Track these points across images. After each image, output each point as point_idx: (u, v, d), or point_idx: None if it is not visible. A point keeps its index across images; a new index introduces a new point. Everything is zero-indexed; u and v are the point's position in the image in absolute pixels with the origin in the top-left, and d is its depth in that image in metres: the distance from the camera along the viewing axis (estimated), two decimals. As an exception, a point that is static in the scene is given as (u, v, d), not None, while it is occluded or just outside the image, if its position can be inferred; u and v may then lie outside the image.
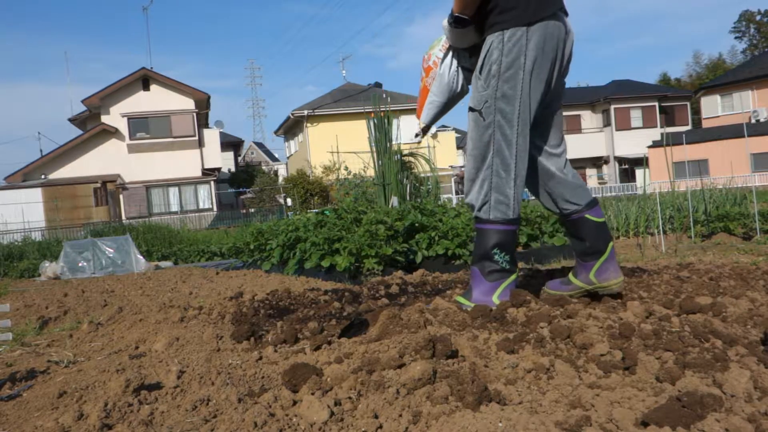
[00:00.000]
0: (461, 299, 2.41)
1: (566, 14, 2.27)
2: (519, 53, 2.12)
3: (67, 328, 3.43)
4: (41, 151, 36.61)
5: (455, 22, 2.23)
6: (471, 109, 2.27)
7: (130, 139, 28.64)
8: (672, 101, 38.68)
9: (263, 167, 43.61)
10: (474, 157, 2.28)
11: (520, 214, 2.41)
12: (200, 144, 29.74)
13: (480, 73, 2.22)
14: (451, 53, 2.43)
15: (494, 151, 2.22)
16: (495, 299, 2.35)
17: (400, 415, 1.38)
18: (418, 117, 2.56)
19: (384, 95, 16.15)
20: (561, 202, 2.42)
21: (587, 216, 2.40)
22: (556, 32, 2.17)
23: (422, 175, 8.38)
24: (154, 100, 28.92)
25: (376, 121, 7.28)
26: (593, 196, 2.46)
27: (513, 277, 2.36)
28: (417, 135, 2.67)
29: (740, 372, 1.39)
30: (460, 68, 2.43)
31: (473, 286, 2.38)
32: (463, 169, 15.81)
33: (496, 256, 2.28)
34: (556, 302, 2.40)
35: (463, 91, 2.49)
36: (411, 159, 8.22)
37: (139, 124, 28.83)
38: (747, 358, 1.57)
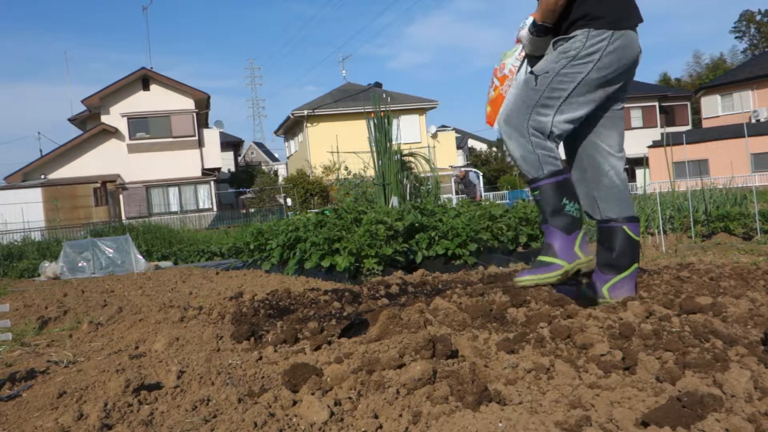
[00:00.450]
0: (544, 257, 2.37)
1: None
2: (597, 50, 2.26)
3: (67, 328, 3.43)
4: (41, 151, 36.59)
5: (537, 30, 2.36)
6: (531, 72, 2.37)
7: (130, 139, 28.63)
8: (672, 101, 38.67)
9: (263, 167, 43.62)
10: (513, 115, 2.37)
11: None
12: (200, 144, 29.74)
13: (554, 47, 2.34)
14: (526, 63, 2.52)
15: (533, 116, 2.32)
16: (577, 251, 2.36)
17: (400, 415, 1.38)
18: (491, 124, 2.62)
19: (384, 95, 16.13)
20: (604, 207, 2.45)
21: (625, 228, 2.43)
22: (632, 44, 2.32)
23: (422, 175, 8.38)
24: (154, 100, 28.92)
25: (376, 121, 7.28)
26: (634, 212, 2.50)
27: (585, 226, 2.41)
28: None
29: (740, 372, 1.38)
30: None
31: (552, 242, 2.36)
32: (462, 169, 15.80)
33: (567, 207, 2.33)
34: (556, 302, 2.40)
35: None
36: (411, 159, 8.22)
37: (139, 124, 28.82)
38: (747, 358, 1.57)
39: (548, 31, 2.37)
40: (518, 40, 2.53)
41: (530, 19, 2.44)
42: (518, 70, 2.54)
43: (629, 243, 2.43)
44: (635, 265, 2.43)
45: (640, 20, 2.37)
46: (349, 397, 1.52)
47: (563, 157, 2.49)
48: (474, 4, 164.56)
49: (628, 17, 2.31)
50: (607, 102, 2.40)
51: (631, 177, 34.34)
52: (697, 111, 39.82)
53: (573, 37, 2.29)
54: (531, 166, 2.35)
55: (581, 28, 2.29)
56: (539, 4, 2.34)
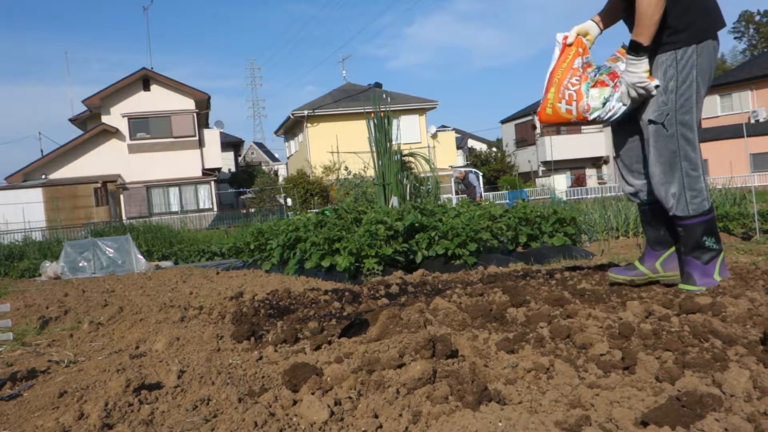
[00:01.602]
0: (686, 286, 2.54)
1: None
2: (691, 68, 2.41)
3: (68, 327, 3.43)
4: (42, 151, 36.57)
5: (635, 50, 2.40)
6: (652, 122, 2.47)
7: (131, 139, 28.62)
8: (672, 101, 38.62)
9: (263, 167, 43.60)
10: (662, 164, 2.49)
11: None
12: (200, 144, 29.74)
13: (656, 87, 2.43)
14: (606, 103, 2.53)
15: (681, 156, 2.45)
16: (716, 277, 2.54)
17: (400, 415, 1.38)
18: (541, 116, 2.70)
19: (384, 95, 16.10)
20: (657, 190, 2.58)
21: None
22: (715, 47, 2.47)
23: (422, 175, 8.38)
24: (155, 100, 28.90)
25: (376, 121, 7.29)
26: None
27: (722, 254, 2.60)
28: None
29: (739, 372, 1.39)
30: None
31: (692, 273, 2.55)
32: (463, 170, 15.82)
33: (707, 242, 2.51)
34: (556, 302, 2.40)
35: (612, 119, 2.59)
36: (411, 159, 8.22)
37: (139, 124, 28.81)
38: (746, 357, 1.57)
39: (645, 51, 2.40)
40: (630, 100, 2.49)
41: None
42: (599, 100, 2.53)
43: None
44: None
45: (723, 25, 2.48)
46: (349, 397, 1.52)
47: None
48: (473, 5, 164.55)
49: (706, 29, 2.42)
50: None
51: (631, 177, 34.28)
52: (697, 111, 39.77)
53: (661, 63, 2.41)
54: (681, 204, 2.48)
55: (665, 50, 2.41)
56: (638, 25, 2.37)
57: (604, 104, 2.53)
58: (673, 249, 2.65)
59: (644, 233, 2.78)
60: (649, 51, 2.42)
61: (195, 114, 29.47)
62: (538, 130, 36.22)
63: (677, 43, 2.39)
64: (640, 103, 2.50)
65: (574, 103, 2.58)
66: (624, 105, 2.51)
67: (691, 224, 2.49)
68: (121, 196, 28.24)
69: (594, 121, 2.60)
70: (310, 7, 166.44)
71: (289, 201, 26.02)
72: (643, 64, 2.41)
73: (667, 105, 2.42)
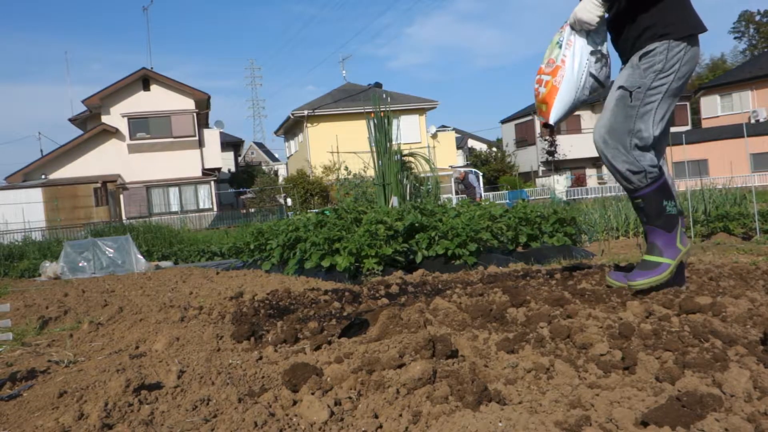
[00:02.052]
0: (649, 257, 2.55)
1: None
2: (677, 61, 2.48)
3: (68, 327, 3.43)
4: (41, 151, 36.61)
5: None
6: (622, 87, 2.51)
7: (131, 139, 28.62)
8: (672, 101, 38.61)
9: (263, 167, 43.60)
10: (614, 131, 2.52)
11: None
12: (200, 144, 29.73)
13: (640, 61, 2.50)
14: (579, 58, 2.61)
15: (634, 131, 2.49)
16: (679, 245, 2.56)
17: (400, 415, 1.38)
18: (545, 116, 2.71)
19: (384, 95, 16.11)
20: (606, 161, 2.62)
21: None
22: (697, 53, 2.55)
23: (422, 175, 8.38)
24: (155, 100, 28.90)
25: (376, 121, 7.28)
26: (681, 207, 2.72)
27: (680, 221, 2.62)
28: (545, 131, 2.93)
29: (740, 372, 1.39)
30: (589, 74, 2.64)
31: (656, 242, 2.56)
32: (462, 170, 15.80)
33: (668, 208, 2.54)
34: (556, 302, 2.40)
35: (586, 97, 2.69)
36: (411, 159, 8.21)
37: (139, 124, 28.81)
38: (746, 357, 1.57)
39: (609, 1, 2.49)
40: (566, 25, 2.61)
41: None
42: (567, 63, 2.60)
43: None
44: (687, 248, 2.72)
45: (705, 29, 2.54)
46: (349, 397, 1.52)
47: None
48: (473, 5, 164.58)
49: (696, 26, 2.50)
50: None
51: (631, 177, 34.29)
52: (696, 111, 39.80)
53: (654, 50, 2.46)
54: (637, 178, 2.51)
55: (659, 39, 2.46)
56: None
57: (560, 46, 2.61)
58: (680, 227, 2.66)
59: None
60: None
61: (195, 114, 29.47)
62: (539, 133, 36.21)
63: (673, 35, 2.46)
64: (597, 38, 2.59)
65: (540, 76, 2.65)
66: (576, 34, 2.58)
67: (648, 192, 2.53)
68: (121, 196, 28.24)
69: (554, 71, 2.62)
70: (310, 7, 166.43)
71: (289, 201, 26.02)
72: (600, 10, 2.50)
73: (643, 79, 2.47)
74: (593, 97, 2.75)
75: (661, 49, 2.46)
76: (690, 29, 2.46)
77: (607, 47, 2.63)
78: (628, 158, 2.49)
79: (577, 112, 37.78)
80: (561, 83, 2.60)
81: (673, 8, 2.48)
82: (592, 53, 2.60)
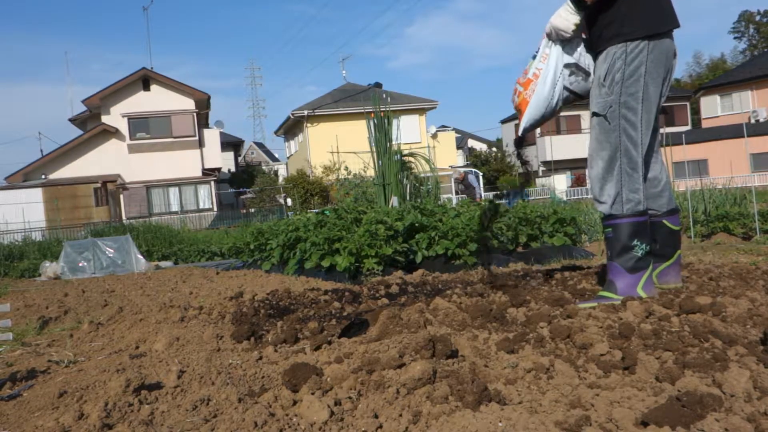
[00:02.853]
0: (606, 293, 2.43)
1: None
2: (640, 63, 2.33)
3: (68, 327, 3.43)
4: (42, 151, 36.56)
5: (575, 2, 2.40)
6: (595, 114, 2.44)
7: (131, 139, 28.62)
8: (671, 101, 38.62)
9: (263, 167, 43.59)
10: (601, 159, 2.43)
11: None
12: (200, 144, 29.73)
13: (604, 80, 2.40)
14: (553, 71, 2.55)
15: (622, 151, 2.39)
16: (640, 291, 2.40)
17: (400, 415, 1.38)
18: (517, 130, 2.74)
19: (384, 95, 16.11)
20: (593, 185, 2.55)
21: (664, 221, 2.59)
22: (669, 49, 2.40)
23: (422, 175, 8.37)
24: (155, 100, 28.90)
25: (376, 121, 7.28)
26: (675, 205, 2.65)
27: (651, 269, 2.45)
28: (516, 144, 3.02)
29: (740, 372, 1.39)
30: (563, 87, 2.57)
31: (615, 280, 2.43)
32: (462, 170, 15.80)
33: (636, 247, 2.39)
34: (556, 302, 2.40)
35: (559, 109, 2.64)
36: (411, 159, 8.21)
37: (139, 124, 28.81)
38: (746, 357, 1.57)
39: (583, 8, 2.40)
40: (547, 35, 2.55)
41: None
42: (541, 76, 2.57)
43: (670, 234, 2.61)
44: (678, 252, 2.62)
45: (676, 25, 2.41)
46: (349, 397, 1.52)
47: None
48: (473, 5, 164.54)
49: (658, 24, 2.36)
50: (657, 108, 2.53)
51: (631, 177, 34.28)
52: (696, 111, 39.80)
53: (612, 60, 2.35)
54: (616, 203, 2.40)
55: (615, 41, 2.35)
56: None
57: (533, 57, 2.59)
58: (668, 263, 2.60)
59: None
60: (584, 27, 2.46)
61: (195, 114, 29.47)
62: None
63: (629, 35, 2.34)
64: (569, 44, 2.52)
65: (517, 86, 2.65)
66: (552, 46, 2.53)
67: (620, 223, 2.40)
68: (121, 196, 28.23)
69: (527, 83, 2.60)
70: (310, 7, 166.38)
71: (289, 201, 26.02)
72: (575, 17, 2.42)
73: (610, 96, 2.37)
74: (569, 106, 2.71)
75: (619, 54, 2.35)
76: (647, 29, 2.32)
77: (586, 58, 2.55)
78: (618, 183, 2.40)
79: (576, 112, 37.80)
80: (531, 97, 2.57)
81: (633, 5, 2.34)
82: (566, 66, 2.54)
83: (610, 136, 2.39)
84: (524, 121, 2.62)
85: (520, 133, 2.73)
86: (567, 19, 2.43)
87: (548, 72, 2.54)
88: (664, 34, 2.37)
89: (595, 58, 2.50)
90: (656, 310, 2.14)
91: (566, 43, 2.53)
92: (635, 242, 2.38)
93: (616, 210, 2.40)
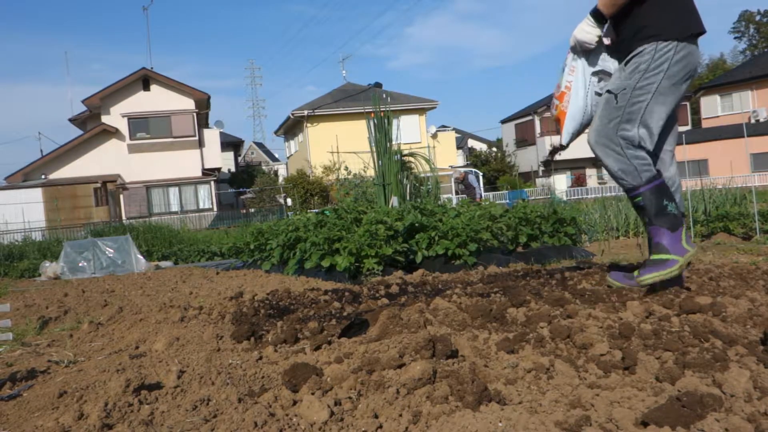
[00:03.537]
0: (657, 256, 2.53)
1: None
2: (665, 60, 2.49)
3: (68, 328, 3.43)
4: (41, 151, 36.60)
5: (594, 16, 2.62)
6: (609, 92, 2.59)
7: (131, 139, 28.62)
8: (672, 101, 38.60)
9: (263, 167, 43.58)
10: (602, 133, 2.58)
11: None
12: (200, 144, 29.73)
13: (626, 65, 2.56)
14: (583, 81, 2.74)
15: (621, 133, 2.54)
16: (685, 245, 2.54)
17: (400, 415, 1.38)
18: (561, 140, 2.87)
19: (384, 95, 16.12)
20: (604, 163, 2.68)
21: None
22: (694, 54, 2.55)
23: (422, 175, 8.37)
24: (155, 100, 28.90)
25: (376, 121, 7.28)
26: (684, 209, 2.77)
27: (684, 223, 2.63)
28: (553, 152, 3.14)
29: (740, 372, 1.39)
30: (594, 93, 2.75)
31: (661, 241, 2.53)
32: (462, 170, 15.80)
33: (669, 207, 2.53)
34: (556, 302, 2.40)
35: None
36: (411, 159, 8.21)
37: (139, 124, 28.80)
38: (747, 358, 1.57)
39: (603, 21, 2.60)
40: (571, 49, 2.76)
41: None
42: (573, 87, 2.75)
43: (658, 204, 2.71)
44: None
45: (703, 30, 2.56)
46: (349, 397, 1.52)
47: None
48: (473, 5, 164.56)
49: (689, 27, 2.51)
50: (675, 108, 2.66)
51: (631, 177, 34.27)
52: (696, 111, 39.78)
53: (642, 51, 2.50)
54: (630, 177, 2.54)
55: (649, 41, 2.49)
56: None
57: (563, 70, 2.78)
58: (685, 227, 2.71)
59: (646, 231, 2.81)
60: (622, 39, 2.60)
61: (195, 114, 29.47)
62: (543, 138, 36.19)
63: (660, 36, 2.48)
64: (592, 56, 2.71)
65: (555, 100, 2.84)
66: (577, 58, 2.73)
67: (646, 191, 2.53)
68: (121, 196, 28.24)
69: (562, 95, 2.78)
70: (310, 7, 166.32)
71: (289, 201, 26.02)
72: (597, 30, 2.61)
73: (629, 81, 2.52)
74: None
75: (649, 50, 2.50)
76: (679, 31, 2.48)
77: (611, 63, 2.72)
78: (619, 158, 2.53)
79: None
80: (568, 108, 2.75)
81: (665, 9, 2.50)
82: (594, 74, 2.72)
83: (615, 114, 2.53)
84: (566, 132, 2.80)
85: (564, 143, 2.87)
86: (589, 32, 2.63)
87: (578, 83, 2.74)
88: (692, 37, 2.52)
89: (620, 60, 2.65)
90: (656, 310, 2.14)
91: (590, 53, 2.72)
92: (665, 203, 2.53)
93: (634, 181, 2.54)
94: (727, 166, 24.18)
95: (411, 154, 8.28)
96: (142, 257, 9.00)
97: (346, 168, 11.29)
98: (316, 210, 9.89)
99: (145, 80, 28.89)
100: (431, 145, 20.16)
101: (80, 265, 8.71)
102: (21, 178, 27.61)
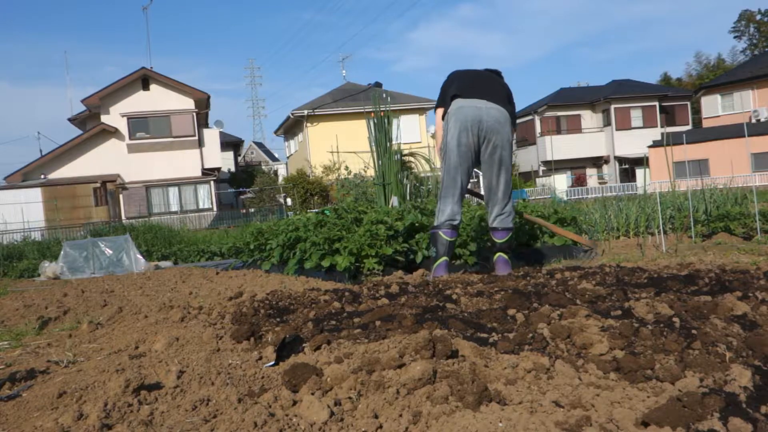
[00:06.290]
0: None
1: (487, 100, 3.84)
2: (446, 121, 3.88)
3: (67, 328, 3.43)
4: (41, 150, 36.60)
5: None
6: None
7: (130, 139, 28.62)
8: (672, 101, 38.64)
9: (263, 167, 43.57)
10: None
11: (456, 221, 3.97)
12: (200, 144, 29.72)
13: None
14: None
15: (442, 184, 3.97)
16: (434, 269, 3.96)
17: (400, 415, 1.38)
18: None
19: (384, 95, 16.10)
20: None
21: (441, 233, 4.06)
22: (462, 108, 3.78)
23: (422, 175, 8.37)
24: (154, 100, 28.90)
25: (376, 120, 7.28)
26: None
27: (443, 259, 3.95)
28: None
29: (741, 372, 1.38)
30: None
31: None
32: None
33: (432, 249, 4.03)
34: (556, 302, 2.40)
35: None
36: (411, 159, 8.21)
37: (138, 124, 28.80)
38: (747, 358, 1.57)
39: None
40: None
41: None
42: None
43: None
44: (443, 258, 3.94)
45: (479, 95, 3.74)
46: (349, 397, 1.52)
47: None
48: (475, 11, 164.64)
49: (461, 94, 3.79)
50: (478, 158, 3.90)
51: (632, 177, 34.34)
52: (697, 111, 39.79)
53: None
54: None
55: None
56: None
57: None
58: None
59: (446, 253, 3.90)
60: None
61: (194, 114, 29.47)
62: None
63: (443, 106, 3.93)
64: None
65: None
66: None
67: (432, 232, 3.95)
68: (121, 196, 28.24)
69: None
70: (310, 8, 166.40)
71: (289, 201, 26.01)
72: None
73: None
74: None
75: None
76: (454, 96, 3.84)
77: None
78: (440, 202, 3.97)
79: (577, 112, 37.82)
80: None
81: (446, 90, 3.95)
82: None
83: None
84: None
85: None
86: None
87: None
88: (462, 99, 3.77)
89: None
90: (656, 309, 2.14)
91: None
92: (432, 247, 4.10)
93: (436, 221, 3.97)
94: (728, 165, 24.20)
95: (411, 154, 8.28)
96: (141, 257, 8.99)
97: (346, 168, 11.30)
98: (316, 210, 9.89)
99: (144, 80, 28.89)
100: (431, 145, 20.18)
101: (80, 265, 8.70)
102: (20, 178, 27.61)
